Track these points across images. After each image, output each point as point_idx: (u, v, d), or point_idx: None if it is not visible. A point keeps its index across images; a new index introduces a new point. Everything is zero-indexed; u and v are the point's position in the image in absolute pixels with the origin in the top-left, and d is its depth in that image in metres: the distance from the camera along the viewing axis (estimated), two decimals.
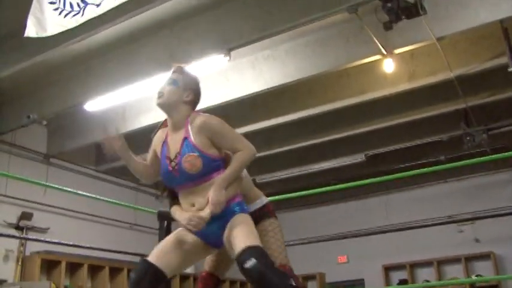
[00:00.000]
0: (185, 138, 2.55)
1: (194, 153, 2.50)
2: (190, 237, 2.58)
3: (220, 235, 2.52)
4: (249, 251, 2.31)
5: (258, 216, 2.93)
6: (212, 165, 2.54)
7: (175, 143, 2.59)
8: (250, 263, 2.25)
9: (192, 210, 2.54)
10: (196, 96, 2.71)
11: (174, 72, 2.73)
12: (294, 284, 2.27)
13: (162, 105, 2.64)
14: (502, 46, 6.15)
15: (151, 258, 2.53)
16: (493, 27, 6.04)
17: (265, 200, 3.06)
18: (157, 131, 2.81)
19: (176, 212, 2.68)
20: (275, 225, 2.96)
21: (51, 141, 9.02)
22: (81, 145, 8.75)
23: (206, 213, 2.46)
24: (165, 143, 2.65)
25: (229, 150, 2.61)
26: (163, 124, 2.79)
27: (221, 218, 2.49)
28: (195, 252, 2.60)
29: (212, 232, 2.53)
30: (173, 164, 2.55)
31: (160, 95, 2.63)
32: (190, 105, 2.68)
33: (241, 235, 2.40)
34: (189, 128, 2.58)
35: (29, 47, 6.11)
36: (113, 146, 2.70)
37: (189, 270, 10.09)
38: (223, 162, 2.61)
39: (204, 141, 2.53)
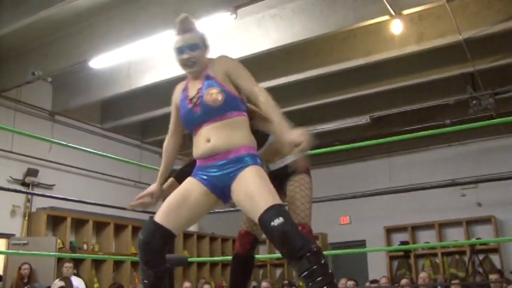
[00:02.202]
0: (207, 76, 2.56)
1: (216, 88, 2.49)
2: (197, 190, 2.51)
3: (229, 185, 2.46)
4: (276, 209, 2.26)
5: (289, 171, 2.94)
6: (233, 103, 2.51)
7: (196, 85, 2.58)
8: (278, 221, 2.21)
9: (207, 145, 2.48)
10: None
11: (185, 30, 2.66)
12: (315, 249, 2.21)
13: (196, 71, 2.60)
14: None
15: (159, 217, 2.48)
16: None
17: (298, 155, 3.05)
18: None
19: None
20: (304, 181, 2.93)
21: (56, 98, 9.00)
22: (86, 102, 8.75)
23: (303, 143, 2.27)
24: (185, 89, 2.64)
25: (245, 90, 2.55)
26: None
27: (232, 166, 2.44)
28: (202, 205, 2.53)
29: (221, 181, 2.47)
30: (194, 100, 2.53)
31: (191, 63, 2.57)
32: (208, 53, 2.69)
33: (262, 191, 2.33)
34: (209, 69, 2.59)
35: (33, 2, 6.04)
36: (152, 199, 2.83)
37: (192, 228, 10.21)
38: (243, 104, 2.58)
39: (224, 78, 2.53)
